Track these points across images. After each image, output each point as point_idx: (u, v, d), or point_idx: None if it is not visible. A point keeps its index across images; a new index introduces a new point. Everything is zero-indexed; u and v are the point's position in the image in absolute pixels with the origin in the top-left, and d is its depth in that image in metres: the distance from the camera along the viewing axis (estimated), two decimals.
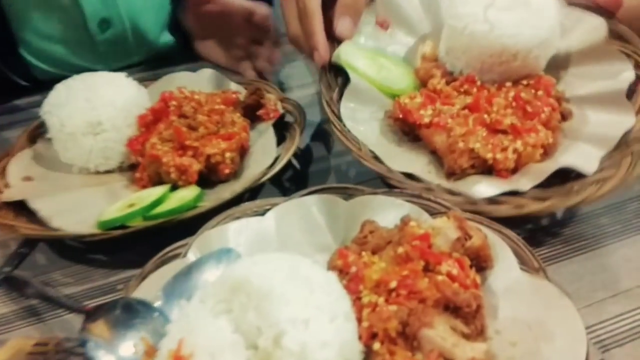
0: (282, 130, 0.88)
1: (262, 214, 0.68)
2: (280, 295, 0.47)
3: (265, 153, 0.81)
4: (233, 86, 0.98)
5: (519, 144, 0.71)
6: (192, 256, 0.63)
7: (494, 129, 0.74)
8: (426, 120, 0.76)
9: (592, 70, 0.81)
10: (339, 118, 0.80)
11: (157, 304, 0.58)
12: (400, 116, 0.78)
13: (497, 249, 0.59)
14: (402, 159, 0.76)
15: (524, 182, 0.70)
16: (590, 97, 0.79)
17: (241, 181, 0.77)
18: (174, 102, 0.87)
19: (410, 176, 0.73)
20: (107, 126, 0.85)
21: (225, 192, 0.75)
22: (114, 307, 0.58)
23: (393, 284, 0.52)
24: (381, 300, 0.52)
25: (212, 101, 0.88)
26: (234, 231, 0.66)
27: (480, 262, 0.57)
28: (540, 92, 0.78)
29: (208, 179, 0.80)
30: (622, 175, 0.68)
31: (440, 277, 0.53)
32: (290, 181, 0.87)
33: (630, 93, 0.78)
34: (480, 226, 0.60)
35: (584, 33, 0.83)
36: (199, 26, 1.14)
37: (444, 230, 0.56)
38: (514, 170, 0.73)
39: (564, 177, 0.71)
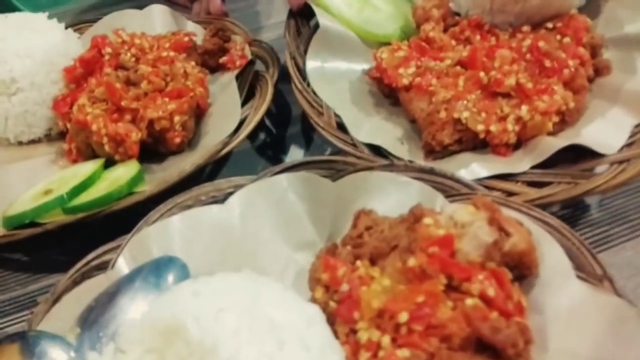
0: (251, 82, 0.69)
1: (222, 200, 0.51)
2: (230, 356, 0.30)
3: (227, 114, 0.62)
4: (190, 26, 0.78)
5: (523, 111, 0.54)
6: (123, 266, 0.46)
7: (492, 92, 0.56)
8: (405, 81, 0.59)
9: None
10: (302, 74, 0.63)
11: (72, 339, 0.41)
12: (377, 75, 0.61)
13: (543, 248, 0.42)
14: (374, 128, 0.60)
15: (525, 161, 0.53)
16: None
17: (196, 153, 0.59)
18: (109, 50, 0.68)
19: (378, 150, 0.57)
20: (24, 84, 0.66)
21: (173, 169, 0.57)
22: (12, 343, 0.41)
23: (403, 317, 0.35)
24: (386, 339, 0.35)
25: (159, 47, 0.69)
26: (183, 227, 0.49)
27: (522, 269, 0.41)
28: (567, 39, 0.59)
29: (155, 149, 0.62)
30: None
31: (470, 302, 0.36)
32: (260, 151, 0.69)
33: None
34: (520, 216, 0.43)
35: None
36: None
37: (473, 228, 0.39)
38: (517, 147, 0.56)
39: (582, 150, 0.53)
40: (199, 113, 0.64)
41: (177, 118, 0.59)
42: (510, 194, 0.51)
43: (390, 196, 0.49)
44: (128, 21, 0.79)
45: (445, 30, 0.65)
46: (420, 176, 0.50)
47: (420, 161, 0.56)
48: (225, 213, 0.50)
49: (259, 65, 0.72)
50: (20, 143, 0.69)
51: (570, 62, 0.57)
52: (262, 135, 0.70)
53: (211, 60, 0.73)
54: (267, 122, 0.72)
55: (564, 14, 0.62)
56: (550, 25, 0.61)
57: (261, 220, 0.50)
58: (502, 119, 0.55)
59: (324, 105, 0.61)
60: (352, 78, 0.64)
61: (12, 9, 1.08)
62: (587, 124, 0.56)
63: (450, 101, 0.56)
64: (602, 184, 0.50)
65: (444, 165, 0.55)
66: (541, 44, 0.59)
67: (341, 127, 0.59)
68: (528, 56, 0.59)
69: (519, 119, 0.54)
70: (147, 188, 0.54)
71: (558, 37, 0.60)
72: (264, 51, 0.73)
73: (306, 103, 0.62)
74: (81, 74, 0.68)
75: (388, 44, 0.65)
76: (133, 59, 0.67)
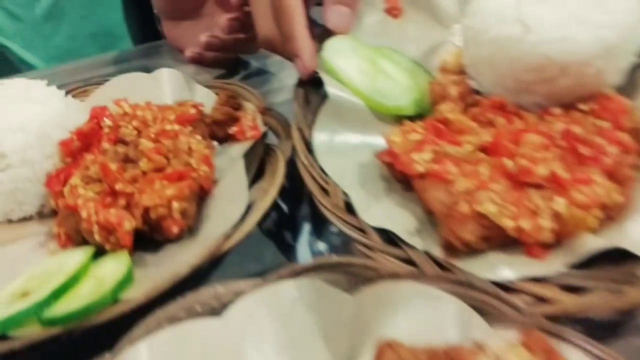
0: (262, 156, 0.63)
1: (220, 310, 0.43)
2: None
3: (233, 198, 0.55)
4: (200, 91, 0.73)
5: (560, 204, 0.46)
6: None
7: (521, 182, 0.48)
8: (419, 168, 0.51)
9: None
10: (309, 147, 0.57)
11: None
12: (388, 160, 0.54)
13: None
14: (385, 213, 0.52)
15: (559, 261, 0.46)
16: None
17: (195, 245, 0.52)
18: (108, 122, 0.62)
19: (389, 238, 0.50)
20: (15, 160, 0.60)
21: (167, 265, 0.50)
22: None
23: None
24: None
25: (163, 119, 0.63)
26: (172, 347, 0.41)
27: None
28: (605, 123, 0.51)
29: (151, 237, 0.55)
30: None
31: None
32: (269, 233, 0.62)
33: None
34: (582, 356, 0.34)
35: None
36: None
37: None
38: (554, 245, 0.47)
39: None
40: (202, 195, 0.58)
41: (175, 205, 0.52)
42: (541, 299, 0.43)
43: (419, 314, 0.41)
44: (135, 85, 0.74)
45: (464, 111, 0.57)
46: (455, 289, 0.42)
47: (437, 253, 0.48)
48: (222, 329, 0.42)
49: (271, 137, 0.66)
50: (9, 221, 0.63)
51: (611, 149, 0.49)
52: (271, 214, 0.63)
53: (220, 131, 0.67)
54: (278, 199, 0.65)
55: (598, 95, 0.54)
56: (583, 107, 0.53)
57: (264, 339, 0.42)
58: (535, 213, 0.47)
59: (331, 184, 0.54)
60: (363, 154, 0.57)
61: (21, 60, 1.06)
62: (635, 221, 0.48)
63: (473, 192, 0.48)
64: None
65: (467, 266, 0.47)
66: (575, 128, 0.51)
67: (349, 208, 0.53)
68: (561, 142, 0.51)
69: (555, 214, 0.46)
70: (135, 295, 0.46)
71: (594, 120, 0.52)
72: (277, 122, 0.67)
73: (311, 180, 0.55)
74: (78, 147, 0.62)
75: (400, 117, 0.58)
76: (134, 132, 0.61)
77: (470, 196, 0.48)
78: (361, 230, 0.51)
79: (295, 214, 0.64)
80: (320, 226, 0.62)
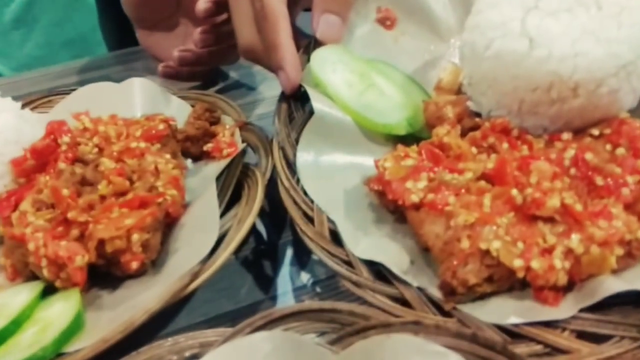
0: (239, 177, 0.56)
1: None
2: None
3: (202, 228, 0.48)
4: (174, 103, 0.67)
5: (574, 241, 0.40)
6: None
7: (530, 215, 0.43)
8: (414, 198, 0.45)
9: None
10: (292, 168, 0.51)
11: None
12: (378, 188, 0.48)
13: None
14: (376, 243, 0.47)
15: (572, 302, 0.41)
16: None
17: (156, 283, 0.45)
18: (66, 139, 0.55)
19: (379, 273, 0.44)
20: None
21: (124, 308, 0.43)
22: None
23: None
24: None
25: (128, 135, 0.56)
26: None
27: None
28: (620, 150, 0.46)
29: (107, 272, 0.48)
30: None
31: None
32: (244, 263, 0.55)
33: None
34: None
35: None
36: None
37: None
38: (569, 288, 0.41)
39: None
40: (169, 222, 0.51)
41: (135, 237, 0.46)
42: (555, 348, 0.38)
43: None
44: (103, 96, 0.68)
45: (463, 135, 0.51)
46: (458, 345, 0.35)
47: (433, 292, 0.43)
48: None
49: (250, 155, 0.59)
50: None
51: (629, 179, 0.44)
52: (248, 240, 0.57)
53: (194, 147, 0.61)
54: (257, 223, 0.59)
55: (612, 118, 0.48)
56: (595, 132, 0.48)
57: None
58: (547, 251, 0.41)
59: (316, 210, 0.48)
60: (351, 178, 0.52)
61: None
62: None
63: (475, 226, 0.42)
64: None
65: (467, 309, 0.41)
66: (588, 156, 0.45)
67: (335, 237, 0.47)
68: (573, 171, 0.45)
69: (569, 252, 0.40)
70: (82, 345, 0.40)
71: (608, 146, 0.47)
72: (257, 138, 0.60)
73: (293, 206, 0.49)
74: (32, 166, 0.56)
75: (391, 136, 0.54)
76: (95, 150, 0.55)
77: (472, 231, 0.42)
78: (348, 264, 0.45)
79: (275, 241, 0.58)
80: (302, 255, 0.56)
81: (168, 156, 0.55)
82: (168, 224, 0.51)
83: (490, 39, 0.50)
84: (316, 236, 0.47)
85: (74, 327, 0.41)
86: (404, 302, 0.42)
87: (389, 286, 0.43)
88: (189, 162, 0.61)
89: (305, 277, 0.54)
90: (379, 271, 0.45)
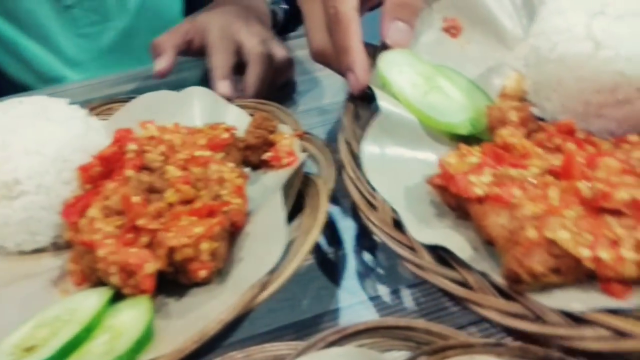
0: (300, 188, 0.56)
1: None
2: None
3: (268, 238, 0.48)
4: (233, 112, 0.68)
5: None
6: None
7: (598, 208, 0.42)
8: (478, 191, 0.45)
9: None
10: (357, 161, 0.53)
11: None
12: (441, 184, 0.48)
13: None
14: (438, 232, 0.47)
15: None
16: None
17: (225, 291, 0.45)
18: (132, 147, 0.56)
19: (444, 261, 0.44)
20: (29, 186, 0.55)
21: (194, 318, 0.43)
22: None
23: None
24: None
25: (192, 143, 0.57)
26: None
27: None
28: None
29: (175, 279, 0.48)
30: None
31: None
32: (309, 273, 0.55)
33: None
34: None
35: None
36: None
37: None
38: (637, 282, 0.40)
39: None
40: (233, 231, 0.51)
41: (204, 245, 0.46)
42: (620, 332, 0.37)
43: None
44: (161, 104, 0.69)
45: (527, 137, 0.51)
46: None
47: (497, 278, 0.42)
48: None
49: (310, 164, 0.59)
50: (21, 252, 0.58)
51: None
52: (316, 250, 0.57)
53: (254, 157, 0.61)
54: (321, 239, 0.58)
55: None
56: None
57: None
58: (615, 243, 0.40)
59: (379, 199, 0.49)
60: (413, 173, 0.52)
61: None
62: None
63: (542, 217, 0.42)
64: None
65: (534, 300, 0.40)
66: None
67: (398, 225, 0.47)
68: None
69: (639, 245, 0.39)
70: (154, 355, 0.40)
71: None
72: (316, 148, 0.60)
73: (358, 194, 0.50)
74: (99, 173, 0.57)
75: (454, 136, 0.54)
76: (161, 159, 0.55)
77: (538, 221, 0.41)
78: (411, 249, 0.45)
79: (335, 252, 0.57)
80: (364, 268, 0.55)
81: (231, 165, 0.55)
82: (232, 233, 0.51)
83: (554, 42, 0.51)
84: (380, 222, 0.48)
85: (146, 336, 0.41)
86: (466, 286, 0.42)
87: (452, 270, 0.43)
88: (248, 171, 0.61)
89: (368, 291, 0.53)
90: (442, 257, 0.45)
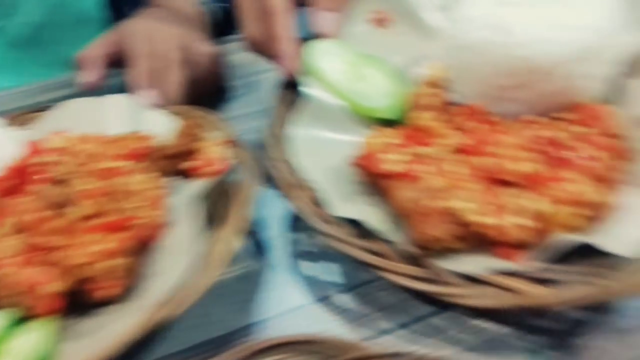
0: (225, 195, 0.54)
1: None
2: None
3: (182, 250, 0.46)
4: (156, 119, 0.64)
5: (544, 203, 0.44)
6: None
7: (499, 180, 0.47)
8: (392, 168, 0.49)
9: None
10: (281, 144, 0.56)
11: None
12: (361, 162, 0.51)
13: None
14: (356, 207, 0.50)
15: (534, 259, 0.45)
16: None
17: (133, 312, 0.43)
18: (43, 158, 0.53)
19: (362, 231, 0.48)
20: None
21: (99, 337, 0.41)
22: None
23: None
24: None
25: (105, 153, 0.54)
26: None
27: None
28: (583, 129, 0.49)
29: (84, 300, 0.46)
30: None
31: None
32: (224, 289, 0.52)
33: None
34: None
35: None
36: None
37: None
38: (531, 246, 0.45)
39: None
40: (148, 245, 0.49)
41: (108, 262, 0.44)
42: (514, 292, 0.42)
43: None
44: (84, 112, 0.65)
45: (442, 120, 0.55)
46: None
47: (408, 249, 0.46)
48: None
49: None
50: None
51: (595, 153, 0.47)
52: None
53: (178, 165, 0.58)
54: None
55: (580, 104, 0.52)
56: (563, 115, 0.52)
57: None
58: (511, 211, 0.44)
59: (300, 179, 0.52)
60: (338, 155, 0.55)
61: None
62: (618, 220, 0.45)
63: (444, 190, 0.46)
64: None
65: (437, 264, 0.45)
66: (553, 133, 0.49)
67: (318, 204, 0.51)
68: (539, 147, 0.49)
69: (537, 213, 0.44)
70: None
71: (574, 128, 0.50)
72: (244, 156, 0.58)
73: (280, 175, 0.53)
74: (13, 186, 0.53)
75: (378, 120, 0.58)
76: (71, 171, 0.52)
77: (441, 194, 0.46)
78: (328, 222, 0.48)
79: (255, 265, 0.55)
80: (294, 273, 0.54)
81: (147, 175, 0.53)
82: (148, 246, 0.49)
83: (466, 31, 0.55)
84: (299, 197, 0.50)
85: (48, 357, 0.39)
86: (379, 255, 0.46)
87: (366, 241, 0.47)
88: (170, 181, 0.59)
89: (287, 304, 0.51)
90: (360, 232, 0.48)
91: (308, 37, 0.63)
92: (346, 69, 0.60)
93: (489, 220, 0.44)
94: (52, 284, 0.43)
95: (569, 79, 0.52)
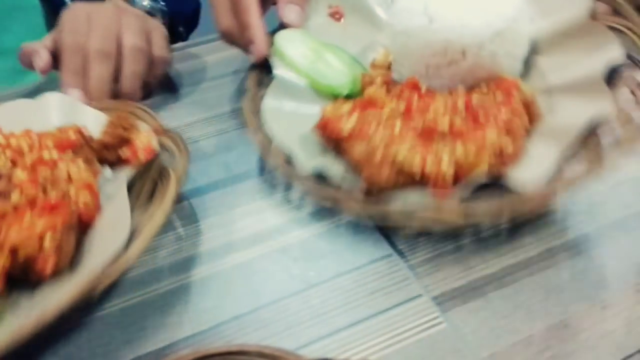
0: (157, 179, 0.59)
1: None
2: None
3: (114, 227, 0.51)
4: (89, 114, 0.68)
5: (458, 150, 0.55)
6: None
7: (429, 136, 0.58)
8: (348, 128, 0.60)
9: (570, 55, 0.65)
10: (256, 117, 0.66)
11: None
12: (322, 127, 0.62)
13: None
14: (320, 163, 0.60)
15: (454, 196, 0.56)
16: (564, 86, 0.63)
17: (69, 284, 0.47)
18: None
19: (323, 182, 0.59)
20: None
21: (38, 307, 0.45)
22: None
23: None
24: None
25: (41, 146, 0.58)
26: None
27: None
28: (500, 96, 0.61)
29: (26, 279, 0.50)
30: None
31: None
32: (149, 305, 0.53)
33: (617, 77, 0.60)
34: None
35: (566, 11, 0.66)
36: None
37: None
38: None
39: None
40: (84, 227, 0.53)
41: (48, 241, 0.48)
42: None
43: None
44: (20, 113, 0.69)
45: (387, 93, 0.66)
46: None
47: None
48: None
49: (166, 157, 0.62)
50: None
51: (505, 113, 0.58)
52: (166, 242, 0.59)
53: (111, 155, 0.62)
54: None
55: (495, 77, 0.63)
56: (484, 88, 0.62)
57: None
58: (439, 158, 0.55)
59: (271, 139, 0.63)
60: (303, 124, 0.65)
61: None
62: (519, 165, 0.57)
63: (389, 144, 0.57)
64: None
65: (382, 204, 0.56)
66: (474, 99, 0.60)
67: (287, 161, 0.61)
68: (462, 112, 0.59)
69: (454, 159, 0.55)
70: None
71: (491, 95, 0.61)
72: (173, 142, 0.62)
73: (258, 140, 0.64)
74: None
75: (336, 96, 0.68)
76: (9, 164, 0.56)
77: (386, 147, 0.56)
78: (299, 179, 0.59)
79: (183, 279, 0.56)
80: (206, 297, 0.54)
81: (81, 164, 0.57)
82: (83, 230, 0.53)
83: (403, 19, 0.66)
84: (275, 158, 0.61)
85: None
86: (336, 201, 0.57)
87: (329, 189, 0.58)
88: (106, 169, 0.63)
89: (212, 319, 0.51)
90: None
91: (276, 29, 0.74)
92: (309, 54, 0.71)
93: (423, 168, 0.55)
94: None
95: (485, 58, 0.62)
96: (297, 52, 0.71)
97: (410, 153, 0.55)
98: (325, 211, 0.60)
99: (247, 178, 0.67)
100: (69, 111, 0.68)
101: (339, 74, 0.71)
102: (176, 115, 0.79)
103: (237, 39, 0.73)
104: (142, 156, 0.62)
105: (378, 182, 0.56)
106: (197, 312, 0.52)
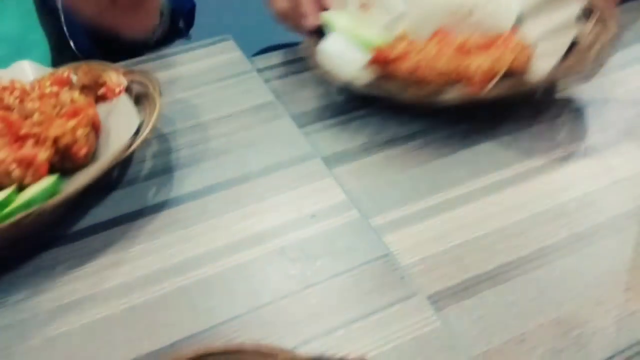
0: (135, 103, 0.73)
1: None
2: None
3: (125, 123, 0.67)
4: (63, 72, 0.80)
5: (487, 58, 0.70)
6: None
7: (463, 51, 0.73)
8: (397, 52, 0.74)
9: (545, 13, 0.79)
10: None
11: None
12: (375, 56, 0.78)
13: None
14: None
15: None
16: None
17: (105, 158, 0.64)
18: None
19: None
20: None
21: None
22: None
23: None
24: None
25: (41, 86, 0.73)
26: None
27: None
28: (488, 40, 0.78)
29: (61, 169, 0.65)
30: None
31: None
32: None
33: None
34: None
35: None
36: None
37: None
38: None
39: None
40: (95, 131, 0.69)
41: (80, 131, 0.65)
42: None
43: None
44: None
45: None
46: None
47: None
48: None
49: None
50: None
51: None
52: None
53: (90, 94, 0.75)
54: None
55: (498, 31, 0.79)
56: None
57: None
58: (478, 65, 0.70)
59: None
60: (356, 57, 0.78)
61: None
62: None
63: (432, 59, 0.73)
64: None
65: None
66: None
67: None
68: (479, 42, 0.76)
69: (483, 64, 0.70)
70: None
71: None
72: (141, 75, 0.77)
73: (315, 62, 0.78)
74: None
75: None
76: (17, 101, 0.69)
77: (430, 60, 0.72)
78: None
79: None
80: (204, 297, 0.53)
81: (77, 93, 0.72)
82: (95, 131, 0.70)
83: None
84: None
85: (57, 184, 0.60)
86: None
87: None
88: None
89: (212, 319, 0.50)
90: None
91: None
92: (350, 25, 0.83)
93: (463, 65, 0.69)
94: (41, 153, 0.61)
95: (484, 15, 0.77)
96: (342, 21, 0.83)
97: (450, 60, 0.70)
98: (326, 211, 0.59)
99: (245, 180, 0.67)
100: (43, 73, 0.79)
101: (375, 36, 0.83)
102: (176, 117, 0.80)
103: (291, 19, 0.84)
104: (117, 90, 0.75)
105: (427, 92, 0.70)
106: (197, 312, 0.51)
